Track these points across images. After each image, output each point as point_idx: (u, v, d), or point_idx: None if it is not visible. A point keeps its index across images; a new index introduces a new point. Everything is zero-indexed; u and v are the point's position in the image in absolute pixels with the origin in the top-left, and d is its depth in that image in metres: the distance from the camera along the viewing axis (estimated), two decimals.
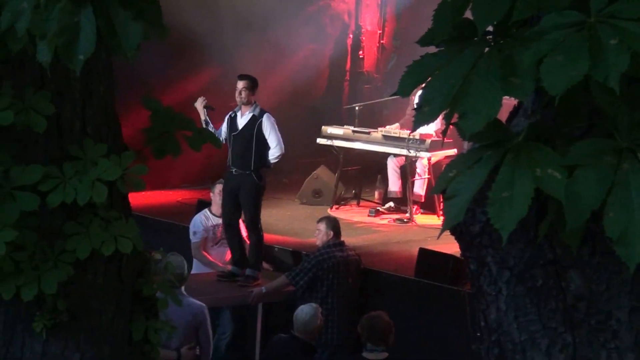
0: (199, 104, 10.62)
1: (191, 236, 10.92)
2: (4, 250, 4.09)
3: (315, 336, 8.88)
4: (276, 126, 10.29)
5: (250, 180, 10.22)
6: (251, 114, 10.28)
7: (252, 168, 10.19)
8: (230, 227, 10.45)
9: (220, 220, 10.88)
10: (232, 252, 10.63)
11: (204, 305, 8.85)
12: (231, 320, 10.82)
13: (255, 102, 10.33)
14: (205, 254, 10.90)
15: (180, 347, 8.53)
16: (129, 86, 11.34)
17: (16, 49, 3.82)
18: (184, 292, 8.66)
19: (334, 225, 10.17)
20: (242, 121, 10.32)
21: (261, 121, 10.22)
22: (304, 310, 8.74)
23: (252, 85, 10.34)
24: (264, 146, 10.23)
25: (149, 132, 4.58)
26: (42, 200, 4.21)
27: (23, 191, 4.18)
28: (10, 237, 4.10)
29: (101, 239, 4.37)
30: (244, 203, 10.26)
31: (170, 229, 12.03)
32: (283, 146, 10.28)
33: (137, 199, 10.30)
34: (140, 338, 4.66)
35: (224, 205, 10.52)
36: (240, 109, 10.38)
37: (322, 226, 10.15)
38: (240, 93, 10.32)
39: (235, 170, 10.30)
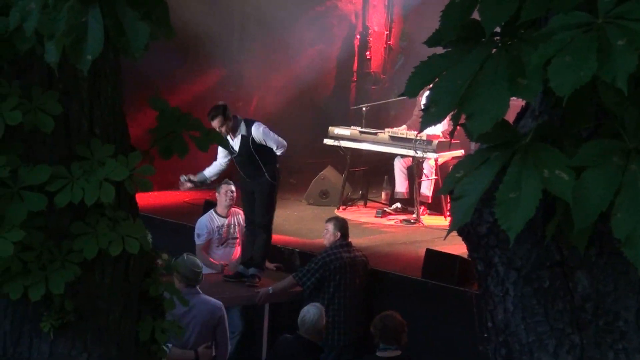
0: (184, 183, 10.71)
1: (195, 238, 10.95)
2: (12, 250, 4.09)
3: (322, 336, 8.89)
4: (267, 129, 10.25)
5: (264, 180, 10.26)
6: (240, 135, 10.25)
7: (265, 175, 10.22)
8: (251, 225, 10.51)
9: (225, 221, 10.92)
10: (245, 251, 10.64)
11: (221, 303, 8.88)
12: (241, 318, 10.83)
13: (237, 119, 10.28)
14: (210, 258, 10.88)
15: (197, 345, 8.56)
16: (136, 86, 11.37)
17: (24, 49, 3.84)
18: (200, 291, 8.70)
19: (342, 226, 10.17)
20: (235, 144, 10.29)
21: (252, 137, 10.20)
22: (311, 311, 8.75)
23: (224, 117, 10.09)
24: (267, 152, 10.23)
25: (155, 132, 4.58)
26: (50, 201, 4.21)
27: (31, 191, 4.18)
28: (18, 237, 4.10)
29: (108, 239, 4.37)
30: (258, 201, 10.31)
31: (178, 229, 12.04)
32: (283, 141, 10.27)
33: (144, 199, 10.34)
34: (147, 338, 4.67)
35: (243, 205, 10.62)
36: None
37: (330, 226, 10.16)
38: (220, 131, 10.10)
39: (250, 181, 10.37)
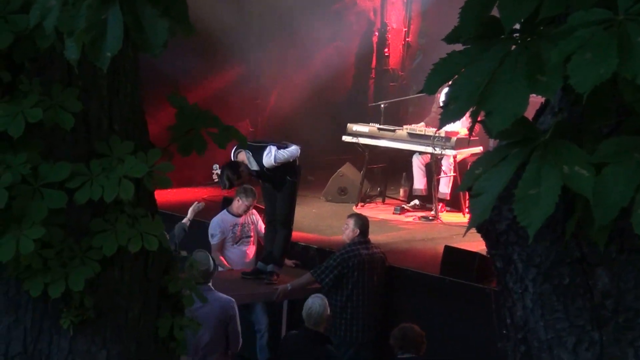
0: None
1: (210, 239, 10.96)
2: (33, 247, 4.11)
3: (327, 325, 8.90)
4: (277, 153, 10.17)
5: (285, 180, 10.27)
6: (255, 170, 10.33)
7: (287, 178, 10.22)
8: (272, 222, 10.53)
9: (239, 219, 10.91)
10: (265, 247, 10.64)
11: (232, 299, 8.90)
12: (265, 314, 10.82)
13: (245, 155, 10.34)
14: (222, 257, 10.88)
15: (210, 341, 8.59)
16: (155, 83, 11.39)
17: (44, 46, 3.85)
18: (212, 288, 8.72)
19: (362, 223, 10.16)
20: (254, 167, 10.37)
21: (265, 168, 10.24)
22: (316, 303, 8.76)
23: (237, 177, 10.26)
24: (284, 165, 10.23)
25: (174, 129, 4.58)
26: (70, 198, 4.22)
27: (51, 188, 4.20)
28: (39, 235, 4.11)
29: (128, 236, 4.37)
30: (279, 198, 10.32)
31: (196, 226, 12.05)
32: (294, 152, 10.21)
33: (163, 196, 10.34)
34: (166, 335, 4.67)
35: (265, 201, 10.66)
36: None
37: (351, 222, 10.17)
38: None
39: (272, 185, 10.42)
